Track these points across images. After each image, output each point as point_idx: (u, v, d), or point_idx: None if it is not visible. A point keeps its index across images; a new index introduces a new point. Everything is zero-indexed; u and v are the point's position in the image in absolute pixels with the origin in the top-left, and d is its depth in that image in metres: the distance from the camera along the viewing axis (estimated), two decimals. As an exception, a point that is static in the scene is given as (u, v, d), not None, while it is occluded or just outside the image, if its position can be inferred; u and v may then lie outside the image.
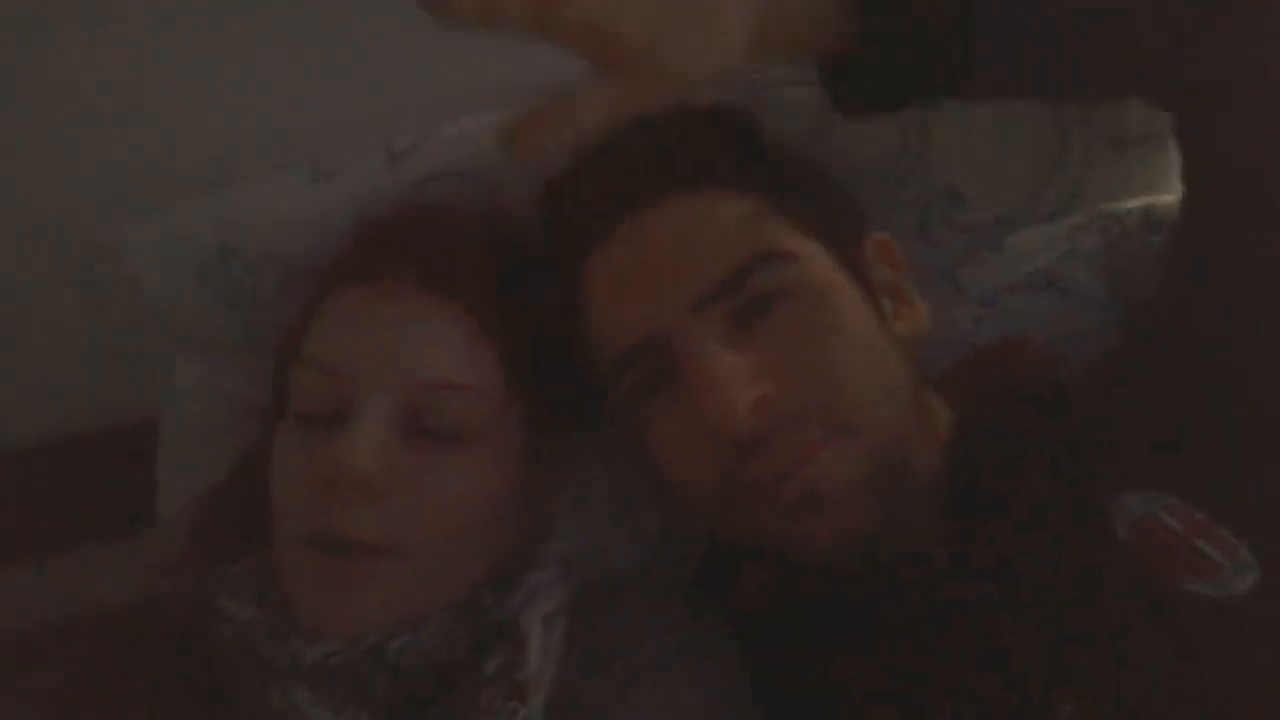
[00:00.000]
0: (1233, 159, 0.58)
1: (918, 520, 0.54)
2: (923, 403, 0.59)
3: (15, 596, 0.76)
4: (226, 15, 0.80)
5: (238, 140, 0.81)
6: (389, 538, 0.55)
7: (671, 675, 0.55)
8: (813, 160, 0.65)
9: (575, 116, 0.48)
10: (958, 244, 0.76)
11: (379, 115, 0.77)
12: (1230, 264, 0.58)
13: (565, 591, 0.60)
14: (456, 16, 0.45)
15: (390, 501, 0.55)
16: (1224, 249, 0.59)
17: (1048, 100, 0.71)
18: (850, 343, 0.56)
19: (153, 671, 0.60)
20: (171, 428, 0.79)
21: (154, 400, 0.80)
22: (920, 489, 0.54)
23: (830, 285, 0.57)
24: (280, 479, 0.58)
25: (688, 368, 0.54)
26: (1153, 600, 0.49)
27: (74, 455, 0.86)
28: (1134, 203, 0.74)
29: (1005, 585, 0.52)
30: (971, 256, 0.75)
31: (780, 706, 0.57)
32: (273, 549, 0.59)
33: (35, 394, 0.87)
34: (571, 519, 0.67)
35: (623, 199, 0.58)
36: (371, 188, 0.74)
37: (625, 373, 0.57)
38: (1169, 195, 0.73)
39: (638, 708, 0.54)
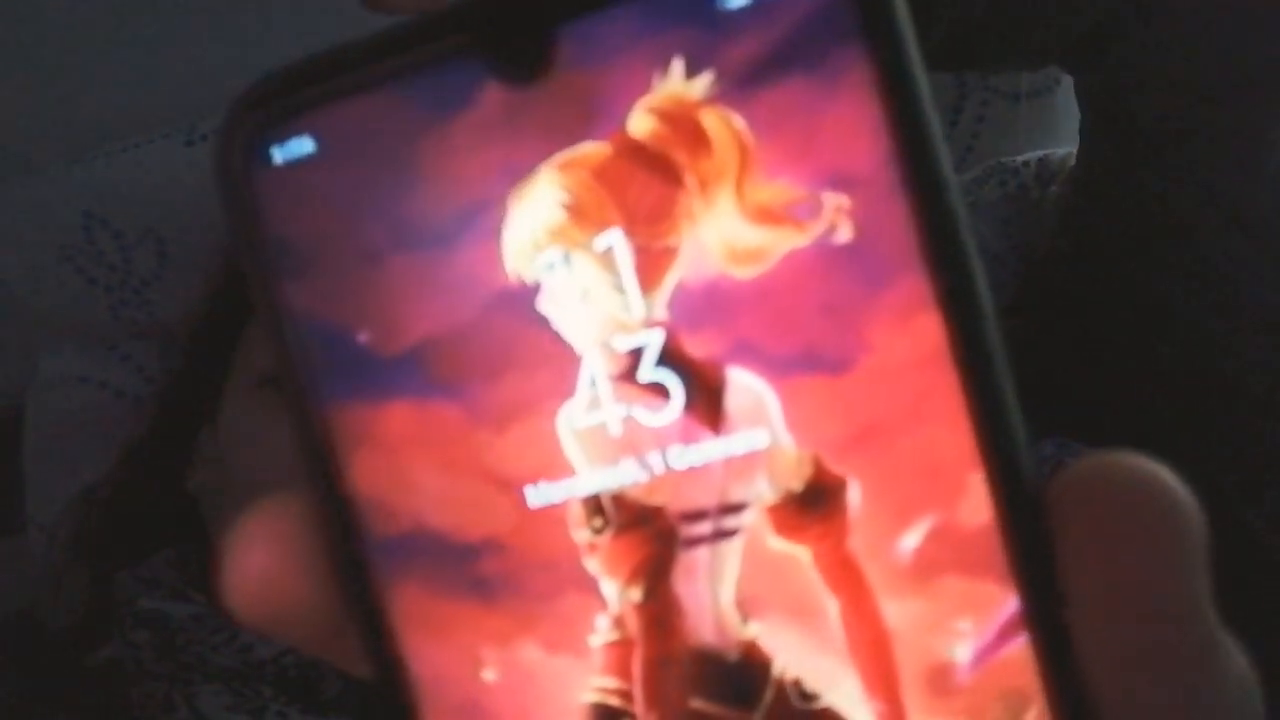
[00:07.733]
0: (1121, 108, 0.59)
1: None
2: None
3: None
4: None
5: (99, 109, 0.74)
6: None
7: None
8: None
9: None
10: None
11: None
12: (1123, 216, 0.60)
13: None
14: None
15: None
16: (1117, 200, 0.60)
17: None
18: None
19: (29, 691, 0.55)
20: (38, 422, 0.72)
21: (14, 391, 0.74)
22: None
23: None
24: None
25: None
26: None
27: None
28: (1027, 155, 0.76)
29: None
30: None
31: None
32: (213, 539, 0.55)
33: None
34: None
35: None
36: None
37: None
38: (1061, 148, 0.75)
39: None
